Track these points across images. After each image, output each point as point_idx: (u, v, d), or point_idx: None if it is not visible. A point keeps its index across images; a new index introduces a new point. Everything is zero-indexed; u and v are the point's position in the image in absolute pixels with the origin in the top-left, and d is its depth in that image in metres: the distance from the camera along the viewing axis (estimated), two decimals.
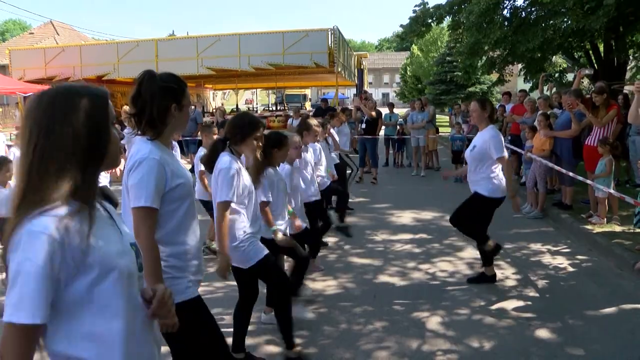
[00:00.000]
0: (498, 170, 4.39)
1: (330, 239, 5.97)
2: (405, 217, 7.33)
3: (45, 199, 1.15)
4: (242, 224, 2.97)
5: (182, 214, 2.03)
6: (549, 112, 7.80)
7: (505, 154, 4.39)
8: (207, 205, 5.15)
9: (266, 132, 3.29)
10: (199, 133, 12.51)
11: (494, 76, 16.83)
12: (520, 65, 13.58)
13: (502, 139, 4.47)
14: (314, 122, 5.12)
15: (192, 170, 11.18)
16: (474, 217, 4.53)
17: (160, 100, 2.00)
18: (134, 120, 2.04)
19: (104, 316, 1.19)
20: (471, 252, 5.46)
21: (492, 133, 4.37)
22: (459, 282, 4.69)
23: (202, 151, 5.68)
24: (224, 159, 2.91)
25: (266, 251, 3.06)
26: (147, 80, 2.01)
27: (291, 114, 14.76)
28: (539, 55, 11.55)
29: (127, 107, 6.31)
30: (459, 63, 15.82)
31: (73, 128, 1.19)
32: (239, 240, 2.96)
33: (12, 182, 4.95)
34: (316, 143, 5.24)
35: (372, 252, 5.66)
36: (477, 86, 27.00)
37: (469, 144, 4.81)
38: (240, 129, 2.99)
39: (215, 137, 5.74)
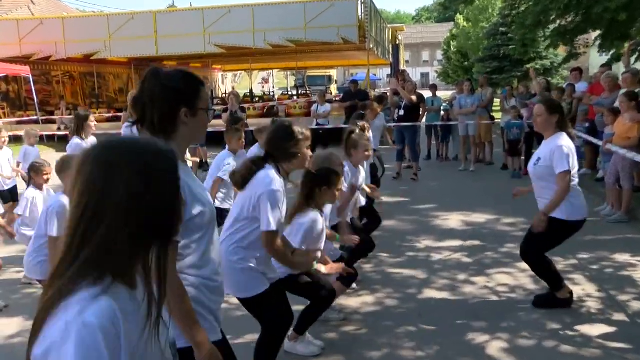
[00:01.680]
0: (574, 185, 4.19)
1: None
2: (453, 219, 7.26)
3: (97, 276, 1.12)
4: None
5: (205, 245, 2.00)
6: (638, 90, 7.46)
7: (569, 167, 4.12)
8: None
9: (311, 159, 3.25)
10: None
11: (561, 51, 16.35)
12: (595, 34, 13.01)
13: (573, 149, 4.21)
14: (363, 136, 4.91)
15: (200, 166, 11.34)
16: (544, 247, 4.35)
17: (162, 103, 1.92)
18: (137, 128, 1.99)
19: None
20: None
21: (559, 142, 4.16)
22: (523, 299, 4.60)
23: (230, 160, 5.48)
24: (269, 174, 2.84)
25: (267, 286, 3.01)
26: (149, 79, 1.95)
27: (315, 99, 14.77)
28: (624, 16, 10.89)
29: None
30: (516, 35, 15.46)
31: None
32: (249, 262, 2.93)
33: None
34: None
35: (414, 262, 5.62)
36: (538, 61, 26.38)
37: (531, 134, 4.68)
38: (284, 144, 2.93)
39: (241, 142, 5.69)
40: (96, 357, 1.04)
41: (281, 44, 15.49)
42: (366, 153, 4.84)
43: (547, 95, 8.95)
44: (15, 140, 11.24)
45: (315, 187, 3.43)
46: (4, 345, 4.05)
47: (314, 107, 13.64)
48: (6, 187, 7.04)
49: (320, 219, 3.48)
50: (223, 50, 16.01)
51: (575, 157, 4.24)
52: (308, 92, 24.21)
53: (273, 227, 2.80)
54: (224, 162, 5.47)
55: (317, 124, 12.75)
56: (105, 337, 1.06)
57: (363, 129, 5.53)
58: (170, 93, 1.92)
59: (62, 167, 4.02)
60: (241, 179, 2.89)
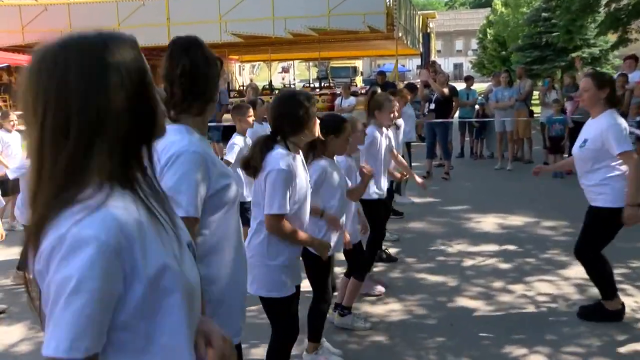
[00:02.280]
0: (624, 169, 4.08)
1: (390, 249, 5.93)
2: (488, 222, 7.19)
3: (77, 185, 1.11)
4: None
5: (227, 225, 2.01)
6: None
7: (631, 147, 4.06)
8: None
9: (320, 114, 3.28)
10: (223, 117, 12.77)
11: (612, 37, 16.00)
12: None
13: (626, 127, 4.13)
14: (388, 97, 4.98)
15: None
16: (600, 242, 4.24)
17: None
18: (168, 97, 2.01)
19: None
20: (579, 270, 5.25)
21: (610, 120, 4.05)
22: (565, 310, 4.52)
23: (237, 139, 5.66)
24: (277, 154, 2.82)
25: (293, 290, 3.01)
26: (177, 57, 2.03)
27: (339, 92, 14.75)
28: None
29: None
30: (560, 20, 15.19)
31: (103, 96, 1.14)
32: (274, 258, 2.91)
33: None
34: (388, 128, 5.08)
35: (445, 268, 5.58)
36: (585, 50, 25.88)
37: (575, 130, 4.58)
38: (291, 115, 2.89)
39: (251, 119, 5.77)
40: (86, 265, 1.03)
41: (303, 33, 15.50)
42: (391, 115, 4.89)
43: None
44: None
45: (326, 135, 3.40)
46: (5, 355, 4.12)
47: (337, 100, 13.65)
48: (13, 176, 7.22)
49: (335, 170, 3.48)
50: (240, 39, 16.09)
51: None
52: (331, 84, 24.21)
53: (275, 209, 2.77)
54: (231, 143, 5.61)
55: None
56: (107, 255, 1.05)
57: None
58: (195, 72, 2.00)
59: None
60: (252, 166, 2.86)
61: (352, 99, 13.34)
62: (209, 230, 1.96)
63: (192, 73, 1.99)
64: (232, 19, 15.46)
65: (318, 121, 3.02)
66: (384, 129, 4.94)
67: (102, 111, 1.11)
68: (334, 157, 3.60)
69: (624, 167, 4.07)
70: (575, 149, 4.32)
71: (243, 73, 31.59)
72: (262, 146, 2.87)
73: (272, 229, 2.83)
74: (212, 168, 1.94)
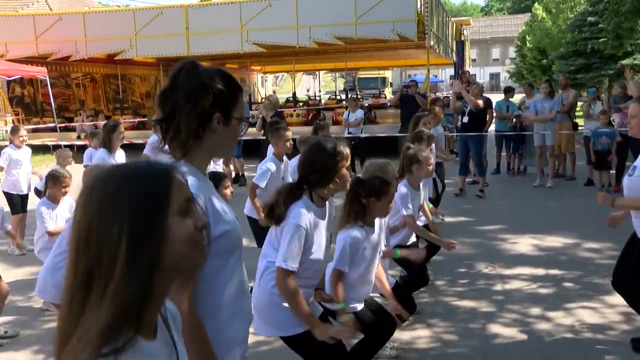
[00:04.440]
0: None
1: None
2: (524, 243, 7.12)
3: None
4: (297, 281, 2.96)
5: (228, 275, 1.94)
6: None
7: None
8: (255, 224, 5.28)
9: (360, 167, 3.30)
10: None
11: None
12: None
13: None
14: (421, 148, 4.92)
15: (235, 180, 11.51)
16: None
17: (199, 102, 1.89)
18: (159, 128, 1.95)
19: None
20: None
21: None
22: (612, 340, 4.45)
23: (270, 165, 5.46)
24: (297, 210, 2.87)
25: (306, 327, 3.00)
26: (186, 72, 1.92)
27: (367, 104, 14.74)
28: None
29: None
30: (608, 25, 14.93)
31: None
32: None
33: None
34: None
35: (478, 292, 5.54)
36: (637, 56, 25.38)
37: (624, 144, 4.48)
38: (321, 166, 2.91)
39: (289, 144, 5.60)
40: None
41: (328, 42, 15.61)
42: (429, 168, 4.86)
43: None
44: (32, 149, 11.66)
45: (362, 198, 3.41)
46: None
47: (345, 114, 13.60)
48: (21, 192, 7.38)
49: (367, 237, 3.47)
50: (263, 49, 16.27)
51: None
52: (359, 96, 24.32)
53: (285, 264, 2.81)
54: (262, 166, 5.52)
55: (349, 133, 12.69)
56: None
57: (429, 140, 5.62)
58: (209, 93, 1.90)
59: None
60: (277, 215, 2.90)
61: (359, 112, 13.30)
62: (209, 281, 1.89)
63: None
64: (253, 27, 15.67)
65: (348, 176, 3.04)
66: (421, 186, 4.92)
67: None
68: (374, 222, 3.53)
69: None
70: (624, 178, 4.21)
71: (266, 85, 31.90)
72: (288, 194, 2.92)
73: (278, 283, 2.87)
74: (210, 213, 1.85)
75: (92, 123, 16.47)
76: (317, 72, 35.67)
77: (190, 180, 1.83)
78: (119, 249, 1.06)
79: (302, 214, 2.85)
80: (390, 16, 14.69)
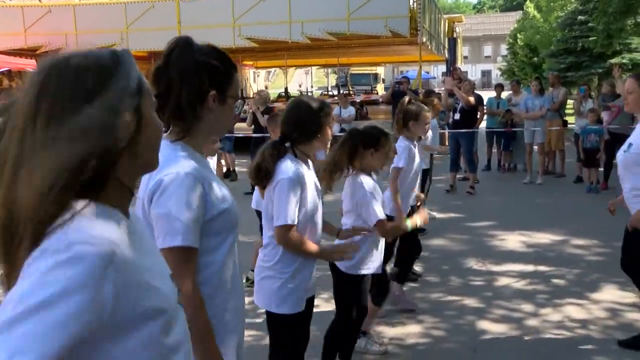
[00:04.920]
0: None
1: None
2: (514, 240, 7.15)
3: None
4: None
5: (224, 255, 1.93)
6: None
7: None
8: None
9: (360, 125, 3.33)
10: (235, 126, 12.85)
11: None
12: None
13: None
14: (422, 107, 4.93)
15: (226, 175, 11.48)
16: None
17: (195, 81, 1.87)
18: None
19: None
20: (613, 293, 5.21)
21: None
22: (599, 337, 4.47)
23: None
24: (285, 165, 2.86)
25: (303, 307, 3.00)
26: (180, 50, 1.89)
27: (358, 99, 14.75)
28: None
29: None
30: (598, 24, 15.05)
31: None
32: (283, 277, 2.92)
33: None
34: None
35: (468, 288, 5.55)
36: (626, 55, 25.54)
37: (612, 142, 4.51)
38: (304, 122, 2.93)
39: None
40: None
41: (321, 37, 15.56)
42: (426, 126, 4.90)
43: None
44: None
45: (360, 148, 3.47)
46: None
47: (336, 110, 13.60)
48: None
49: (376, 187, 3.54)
50: (255, 44, 16.21)
51: None
52: (351, 92, 24.29)
53: (282, 220, 2.80)
54: None
55: (342, 130, 12.70)
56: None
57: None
58: (203, 70, 1.88)
59: None
60: (264, 172, 2.89)
61: (351, 109, 13.34)
62: (204, 259, 1.89)
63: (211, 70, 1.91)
64: (246, 22, 15.58)
65: (330, 132, 3.04)
66: (416, 143, 4.92)
67: None
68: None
69: None
70: (619, 154, 4.22)
71: (258, 80, 31.79)
72: (273, 152, 2.90)
73: (281, 241, 2.85)
74: (209, 192, 1.86)
75: None
76: (309, 68, 35.61)
77: (190, 164, 1.86)
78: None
79: (291, 167, 2.83)
80: (382, 12, 14.66)
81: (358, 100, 17.77)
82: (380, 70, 34.75)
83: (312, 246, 2.90)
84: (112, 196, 1.16)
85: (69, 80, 1.12)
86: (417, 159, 4.84)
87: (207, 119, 1.93)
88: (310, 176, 2.93)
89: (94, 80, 1.12)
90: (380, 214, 3.47)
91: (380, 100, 18.16)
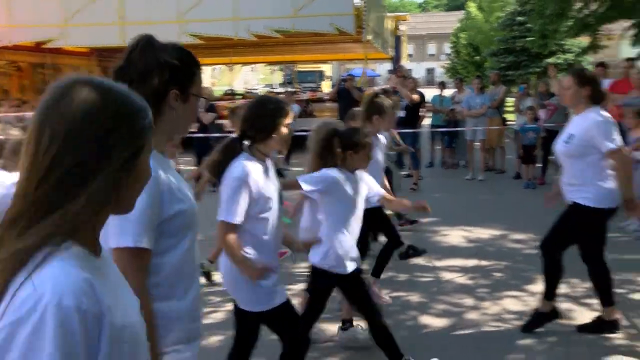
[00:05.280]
0: (608, 169, 4.23)
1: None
2: (456, 236, 7.29)
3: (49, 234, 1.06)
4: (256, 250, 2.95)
5: (180, 255, 1.89)
6: None
7: (619, 143, 4.16)
8: None
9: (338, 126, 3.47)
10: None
11: (583, 40, 16.53)
12: (627, 23, 13.13)
13: (614, 123, 4.23)
14: (390, 102, 4.96)
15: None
16: (580, 241, 4.38)
17: (156, 80, 1.85)
18: None
19: None
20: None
21: (598, 117, 4.17)
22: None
23: None
24: (236, 164, 2.88)
25: (284, 298, 3.03)
26: (141, 49, 1.87)
27: (305, 97, 14.76)
28: None
29: None
30: (535, 25, 15.60)
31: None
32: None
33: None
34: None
35: (411, 284, 5.63)
36: (560, 56, 26.50)
37: (548, 139, 4.68)
38: (260, 121, 2.93)
39: None
40: (75, 344, 1.00)
41: (267, 35, 15.48)
42: (390, 123, 4.95)
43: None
44: None
45: (345, 151, 3.50)
46: None
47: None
48: None
49: (346, 179, 3.54)
50: (200, 40, 16.00)
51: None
52: (297, 89, 24.28)
53: (225, 216, 2.82)
54: None
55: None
56: (85, 319, 1.02)
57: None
58: (165, 69, 1.86)
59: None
60: (217, 168, 2.92)
61: (295, 106, 13.35)
62: (160, 260, 1.86)
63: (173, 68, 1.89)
64: (191, 18, 15.34)
65: (287, 131, 3.04)
66: (381, 137, 4.95)
67: None
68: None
69: (608, 168, 4.20)
70: (559, 144, 4.39)
71: (203, 77, 31.52)
72: (227, 149, 2.93)
73: (220, 237, 2.88)
74: (165, 192, 1.83)
75: (16, 114, 15.75)
76: (255, 65, 35.42)
77: (151, 162, 1.79)
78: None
79: (244, 166, 2.85)
80: (328, 10, 14.70)
81: (304, 98, 17.74)
82: (326, 68, 34.88)
83: (238, 256, 2.87)
84: (83, 236, 1.13)
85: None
86: (380, 154, 4.89)
87: (169, 117, 1.91)
88: (263, 176, 2.92)
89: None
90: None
91: (326, 98, 18.20)
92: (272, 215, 2.96)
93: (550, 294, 4.50)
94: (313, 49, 23.07)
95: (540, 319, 4.50)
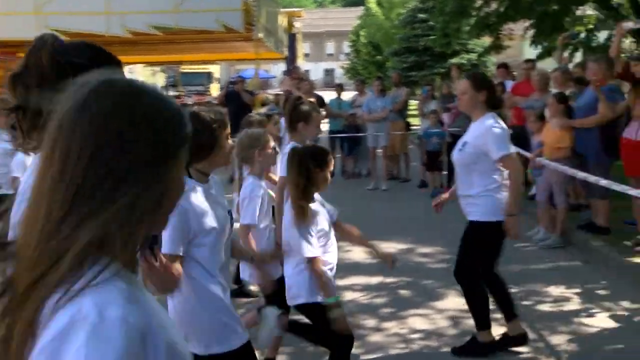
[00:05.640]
0: (503, 178, 4.41)
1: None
2: (358, 251, 7.30)
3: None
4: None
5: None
6: (568, 92, 7.94)
7: (512, 151, 4.36)
8: None
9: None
10: None
11: (486, 40, 17.46)
12: (527, 23, 14.02)
13: (507, 130, 4.44)
14: (315, 107, 4.99)
15: None
16: (481, 261, 4.53)
17: (55, 86, 1.68)
18: (16, 122, 1.81)
19: None
20: (454, 300, 5.55)
21: (490, 122, 4.34)
22: (436, 345, 4.75)
23: None
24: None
25: (245, 337, 2.94)
26: (39, 51, 1.78)
27: (189, 102, 14.56)
28: (556, 7, 11.83)
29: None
30: (437, 24, 16.29)
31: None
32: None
33: None
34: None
35: None
36: (464, 56, 27.83)
37: (453, 144, 4.87)
38: (196, 139, 2.82)
39: None
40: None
41: (145, 32, 15.15)
42: (317, 129, 5.05)
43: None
44: None
45: (314, 169, 3.55)
46: None
47: None
48: None
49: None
50: (64, 37, 15.41)
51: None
52: (182, 93, 23.92)
53: (163, 248, 2.71)
54: None
55: None
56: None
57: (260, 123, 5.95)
58: (69, 72, 1.72)
59: None
60: None
61: None
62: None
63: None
64: (53, 11, 14.72)
65: (230, 146, 2.98)
66: None
67: None
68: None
69: (502, 177, 4.39)
70: (454, 153, 4.59)
71: None
72: None
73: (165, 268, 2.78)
74: None
75: None
76: (133, 66, 34.48)
77: None
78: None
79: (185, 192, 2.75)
80: (214, 5, 14.60)
81: (190, 102, 17.50)
82: (214, 69, 34.57)
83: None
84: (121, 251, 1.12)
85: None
86: None
87: None
88: (204, 200, 2.82)
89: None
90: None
91: (215, 101, 18.05)
92: (216, 240, 2.89)
93: (509, 315, 4.60)
94: (199, 48, 22.79)
95: (476, 348, 4.57)
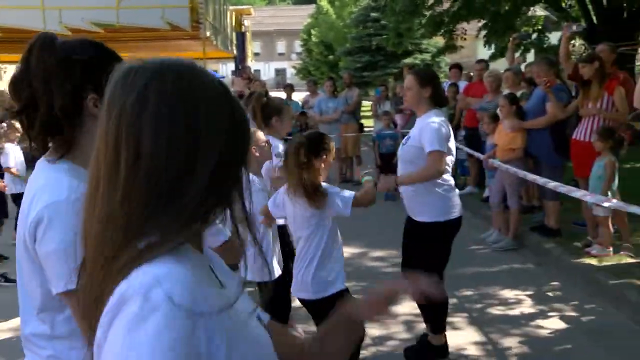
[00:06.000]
0: (448, 175, 4.50)
1: None
2: None
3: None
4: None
5: None
6: (519, 93, 8.14)
7: (442, 148, 4.35)
8: None
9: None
10: None
11: (440, 40, 17.81)
12: (480, 23, 14.38)
13: (447, 128, 4.49)
14: (284, 101, 5.04)
15: None
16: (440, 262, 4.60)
17: (63, 83, 1.73)
18: (21, 124, 1.81)
19: None
20: (409, 305, 5.64)
21: (434, 119, 4.41)
22: (390, 351, 4.86)
23: None
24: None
25: None
26: (40, 50, 1.75)
27: None
28: (508, 8, 12.16)
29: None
30: (390, 23, 16.54)
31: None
32: None
33: None
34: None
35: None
36: (417, 56, 28.23)
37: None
38: None
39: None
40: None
41: (84, 29, 14.94)
42: (289, 122, 5.13)
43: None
44: None
45: (312, 156, 3.58)
46: None
47: None
48: None
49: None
50: None
51: (453, 144, 4.54)
52: None
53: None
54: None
55: None
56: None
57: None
58: (73, 70, 1.74)
59: None
60: None
61: None
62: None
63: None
64: None
65: None
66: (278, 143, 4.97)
67: None
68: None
69: (448, 177, 4.51)
70: (399, 149, 4.74)
71: (5, 77, 29.49)
72: None
73: None
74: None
75: None
76: None
77: (78, 187, 1.64)
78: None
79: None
80: (158, 1, 14.51)
81: None
82: None
83: None
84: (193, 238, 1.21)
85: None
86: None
87: (92, 127, 1.72)
88: None
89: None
90: None
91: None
92: None
93: (437, 326, 4.70)
94: (143, 47, 22.58)
95: (428, 352, 4.68)
